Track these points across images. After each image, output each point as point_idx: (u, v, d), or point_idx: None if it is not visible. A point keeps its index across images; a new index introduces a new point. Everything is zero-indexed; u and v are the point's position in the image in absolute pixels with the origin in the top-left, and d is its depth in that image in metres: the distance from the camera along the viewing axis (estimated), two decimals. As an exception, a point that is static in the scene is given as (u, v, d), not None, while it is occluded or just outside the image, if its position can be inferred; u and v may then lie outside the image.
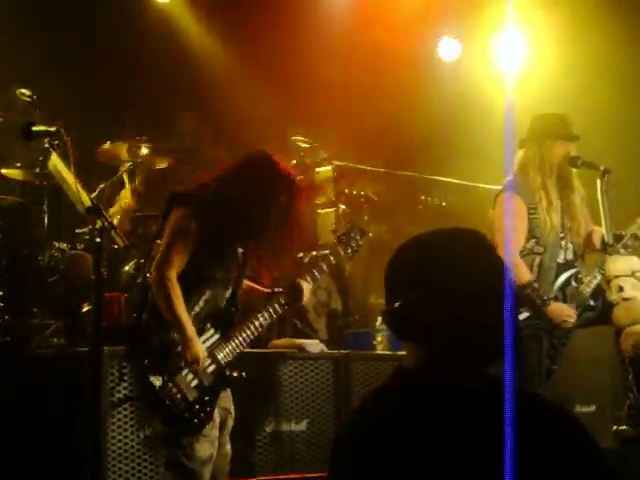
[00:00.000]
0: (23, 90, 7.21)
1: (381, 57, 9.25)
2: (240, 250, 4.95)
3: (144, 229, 7.64)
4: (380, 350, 7.10)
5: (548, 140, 5.94)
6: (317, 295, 8.26)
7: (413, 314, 2.25)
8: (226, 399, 4.95)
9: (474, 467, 2.11)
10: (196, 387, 4.74)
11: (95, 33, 9.00)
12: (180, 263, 4.69)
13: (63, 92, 8.22)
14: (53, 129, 4.76)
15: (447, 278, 2.23)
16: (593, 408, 6.96)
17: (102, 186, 7.56)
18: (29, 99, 7.19)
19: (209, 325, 4.84)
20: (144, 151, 7.92)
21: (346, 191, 8.63)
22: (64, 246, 7.08)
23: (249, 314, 5.03)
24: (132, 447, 5.56)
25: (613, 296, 5.81)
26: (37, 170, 6.72)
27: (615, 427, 6.19)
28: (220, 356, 4.85)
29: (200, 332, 4.78)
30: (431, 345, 2.25)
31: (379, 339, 7.17)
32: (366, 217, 8.66)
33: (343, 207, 8.53)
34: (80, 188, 4.66)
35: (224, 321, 4.91)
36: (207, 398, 4.77)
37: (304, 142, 8.49)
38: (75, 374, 5.47)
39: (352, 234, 5.58)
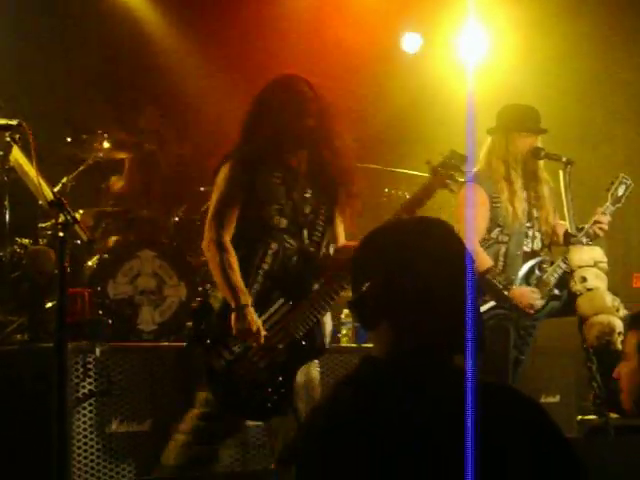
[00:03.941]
0: (-20, 85, 7.14)
1: (344, 51, 9.24)
2: (307, 194, 4.59)
3: (106, 225, 7.60)
4: (345, 343, 7.10)
5: (514, 132, 5.98)
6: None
7: (378, 301, 2.25)
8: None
9: (441, 460, 2.10)
10: (267, 366, 4.38)
11: (55, 26, 8.93)
12: (231, 221, 4.43)
13: (23, 86, 8.16)
14: (14, 122, 4.70)
15: (411, 264, 2.25)
16: (558, 398, 7.02)
17: (64, 180, 7.49)
18: (-14, 94, 7.11)
19: (277, 294, 4.46)
20: (105, 145, 7.85)
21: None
22: (26, 242, 7.01)
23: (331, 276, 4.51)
24: (97, 443, 5.53)
25: (576, 286, 5.84)
26: (-3, 165, 6.66)
27: (580, 417, 6.24)
28: (292, 327, 4.43)
29: (266, 303, 4.44)
30: (392, 333, 2.26)
31: (344, 332, 7.17)
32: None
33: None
34: (42, 182, 4.60)
35: (299, 282, 4.50)
36: (281, 378, 4.42)
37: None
38: (39, 370, 5.42)
39: (452, 161, 4.72)
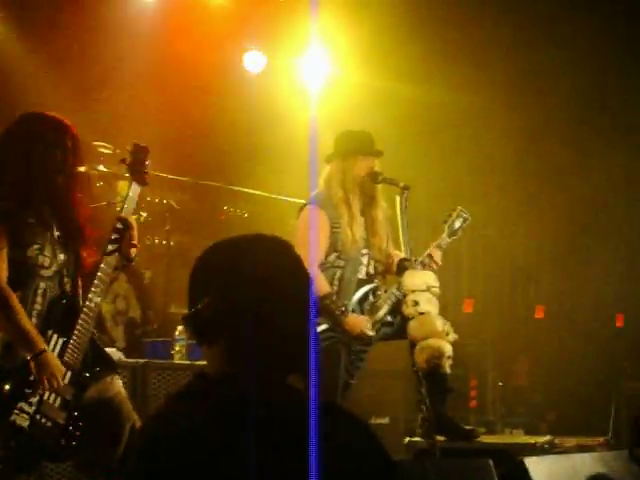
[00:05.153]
0: None
1: (187, 67, 9.20)
2: (58, 234, 4.53)
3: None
4: (178, 360, 7.05)
5: (351, 156, 6.06)
6: (115, 303, 8.15)
7: (211, 317, 2.25)
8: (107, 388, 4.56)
9: (270, 477, 2.11)
10: (61, 406, 4.34)
11: None
12: (2, 268, 4.30)
13: None
14: None
15: (245, 281, 2.25)
16: (387, 420, 7.13)
17: None
18: None
19: (50, 332, 4.40)
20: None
21: (148, 199, 8.54)
22: None
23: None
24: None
25: (409, 310, 5.92)
26: None
27: (408, 439, 6.34)
28: (71, 360, 4.40)
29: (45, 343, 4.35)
30: (228, 350, 2.26)
31: (177, 349, 7.12)
32: (168, 226, 8.60)
33: (145, 215, 8.44)
34: None
35: (66, 316, 4.46)
36: (76, 413, 4.38)
37: (106, 148, 8.36)
38: None
39: (138, 155, 4.78)
